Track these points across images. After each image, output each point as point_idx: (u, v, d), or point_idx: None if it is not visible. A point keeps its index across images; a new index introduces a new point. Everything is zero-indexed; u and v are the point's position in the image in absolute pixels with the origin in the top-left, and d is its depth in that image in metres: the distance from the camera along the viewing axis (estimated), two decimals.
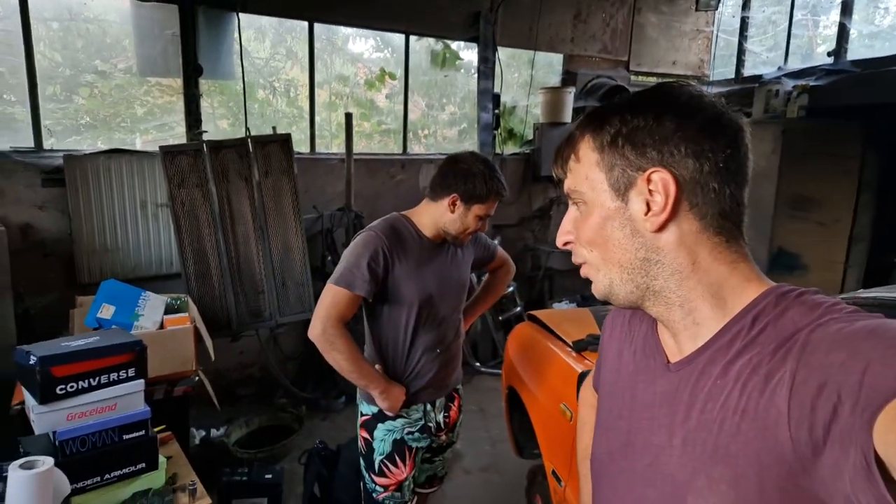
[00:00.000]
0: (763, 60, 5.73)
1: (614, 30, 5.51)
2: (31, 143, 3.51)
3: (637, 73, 5.76)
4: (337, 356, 1.73)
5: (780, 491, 0.58)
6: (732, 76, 5.92)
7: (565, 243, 0.77)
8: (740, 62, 5.89)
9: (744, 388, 0.62)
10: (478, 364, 4.68)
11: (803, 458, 0.56)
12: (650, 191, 0.67)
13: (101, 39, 4.02)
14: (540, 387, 2.46)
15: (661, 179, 0.66)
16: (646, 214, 0.68)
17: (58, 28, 3.82)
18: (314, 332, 1.73)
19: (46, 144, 3.56)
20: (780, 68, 5.32)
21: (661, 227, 0.68)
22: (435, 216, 1.82)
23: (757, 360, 0.62)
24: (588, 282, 0.76)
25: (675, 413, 0.70)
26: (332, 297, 1.72)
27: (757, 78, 5.41)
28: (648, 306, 0.73)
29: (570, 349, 2.38)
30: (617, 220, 0.70)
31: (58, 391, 1.54)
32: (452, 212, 1.78)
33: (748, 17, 5.77)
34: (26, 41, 3.42)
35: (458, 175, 1.77)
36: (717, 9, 5.65)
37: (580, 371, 2.14)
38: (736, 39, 5.86)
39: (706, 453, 0.65)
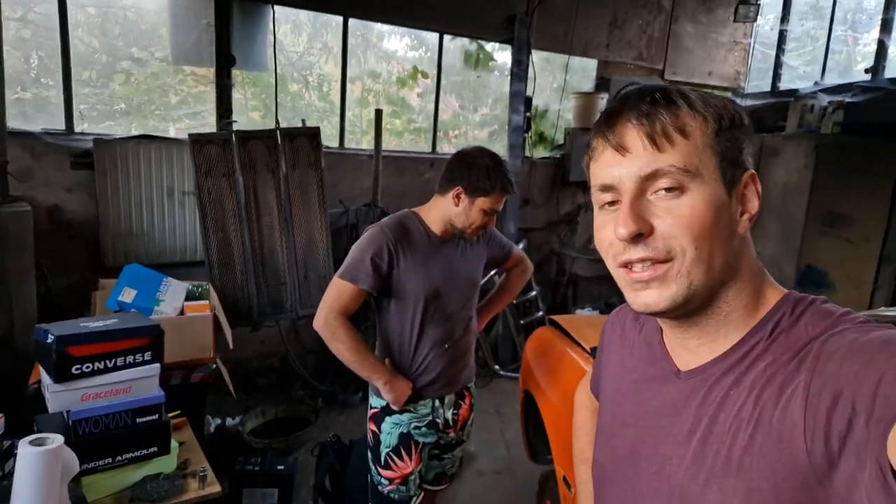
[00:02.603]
0: (800, 75, 5.64)
1: (650, 37, 5.44)
2: (62, 126, 3.55)
3: (672, 82, 5.65)
4: (339, 346, 1.77)
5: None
6: (768, 89, 5.83)
7: (635, 235, 0.63)
8: (776, 75, 5.80)
9: (758, 398, 0.60)
10: (497, 367, 4.62)
11: (819, 469, 0.55)
12: (744, 193, 0.65)
13: (137, 27, 4.07)
14: (555, 392, 2.43)
15: (755, 182, 0.65)
16: (741, 216, 0.65)
17: (95, 13, 3.87)
18: (318, 323, 1.78)
19: (78, 128, 3.61)
20: (816, 83, 5.22)
21: (744, 232, 0.66)
22: (442, 210, 1.83)
23: (771, 371, 0.61)
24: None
25: (683, 422, 0.68)
26: (336, 289, 1.77)
27: (793, 92, 5.33)
28: (690, 317, 0.67)
29: (588, 355, 2.36)
30: (725, 216, 0.63)
31: (73, 371, 1.54)
32: (457, 205, 1.79)
33: (787, 31, 5.69)
34: (62, 25, 3.46)
35: (463, 168, 1.78)
36: (755, 21, 5.55)
37: None
38: (773, 52, 5.78)
39: (718, 465, 0.62)
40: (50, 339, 1.52)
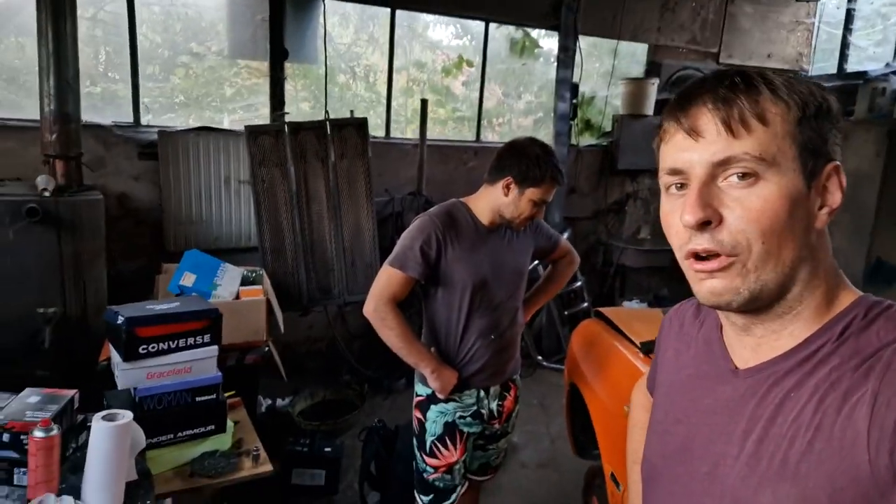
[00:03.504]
0: (869, 56, 5.34)
1: (704, 20, 5.24)
2: (130, 119, 3.76)
3: (727, 66, 5.43)
4: (388, 332, 1.81)
5: None
6: (834, 71, 5.52)
7: (702, 223, 0.60)
8: (843, 57, 5.49)
9: (820, 403, 0.58)
10: (540, 358, 4.62)
11: (882, 483, 0.52)
12: (825, 185, 0.62)
13: (197, 23, 4.24)
14: (603, 386, 2.39)
15: (841, 173, 0.62)
16: (819, 209, 0.62)
17: (159, 11, 4.06)
18: (367, 309, 1.82)
19: (143, 120, 3.81)
20: (888, 65, 4.92)
21: (822, 226, 0.62)
22: (491, 200, 1.84)
23: (836, 376, 0.58)
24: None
25: (738, 422, 0.66)
26: (386, 277, 1.81)
27: (861, 74, 5.02)
28: (758, 313, 0.64)
29: (637, 350, 2.30)
30: (802, 208, 0.60)
31: (140, 351, 1.65)
32: (506, 195, 1.80)
33: (854, 10, 5.37)
34: (131, 23, 3.65)
35: (513, 158, 1.79)
36: None
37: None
38: (840, 32, 5.47)
39: (773, 469, 0.60)
40: (120, 320, 1.64)
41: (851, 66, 5.41)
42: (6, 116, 3.43)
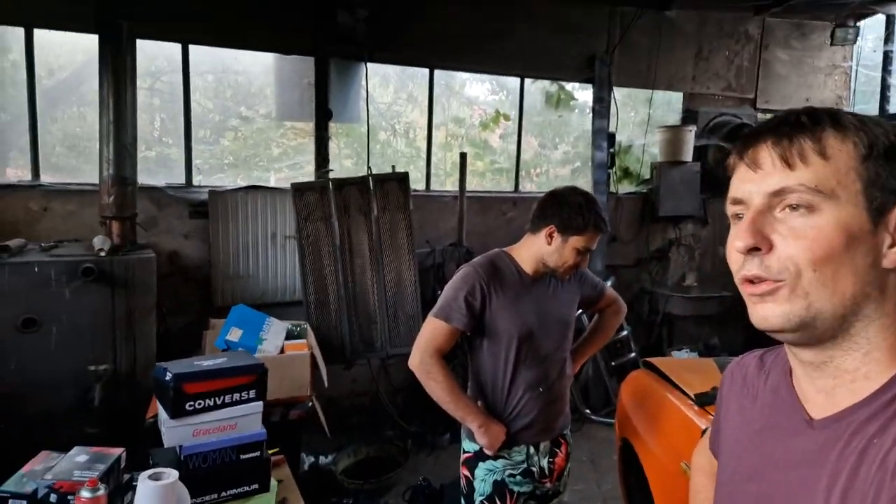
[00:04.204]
0: None
1: (739, 67, 5.26)
2: (182, 180, 3.94)
3: (765, 111, 5.39)
4: (434, 385, 1.78)
5: None
6: (876, 113, 5.39)
7: (750, 249, 0.62)
8: (884, 98, 5.39)
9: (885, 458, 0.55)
10: (588, 411, 4.45)
11: None
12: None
13: (246, 88, 4.48)
14: (657, 442, 2.29)
15: None
16: (890, 247, 0.61)
17: (212, 80, 4.32)
18: (413, 362, 1.80)
19: (195, 181, 3.98)
20: None
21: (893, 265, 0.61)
22: (534, 249, 1.83)
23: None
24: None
25: (819, 477, 0.62)
26: (431, 328, 1.79)
27: None
28: (825, 349, 0.63)
29: (691, 402, 2.22)
30: (865, 244, 0.60)
31: (187, 407, 1.64)
32: (550, 243, 1.79)
33: (892, 51, 5.31)
34: (185, 91, 3.88)
35: (556, 206, 1.79)
36: (854, 43, 5.20)
37: (704, 427, 1.95)
38: (879, 75, 5.39)
39: None
40: (168, 376, 1.64)
41: (893, 108, 5.32)
42: (68, 181, 3.64)
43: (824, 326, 0.61)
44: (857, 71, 5.51)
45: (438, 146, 4.83)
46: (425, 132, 4.64)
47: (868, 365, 0.62)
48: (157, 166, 4.12)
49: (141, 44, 3.46)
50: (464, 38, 4.44)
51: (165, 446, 1.67)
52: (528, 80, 4.90)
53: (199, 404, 1.66)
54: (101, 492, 1.24)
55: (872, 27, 5.40)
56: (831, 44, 5.24)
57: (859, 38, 5.19)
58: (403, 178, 3.83)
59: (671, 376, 2.46)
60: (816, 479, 0.62)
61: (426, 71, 4.54)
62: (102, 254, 2.65)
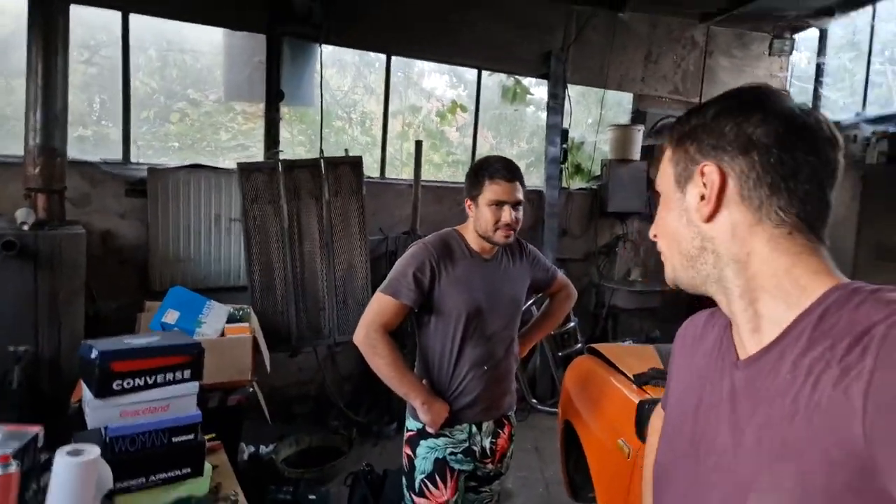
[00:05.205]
0: (840, 107, 5.54)
1: (685, 71, 5.43)
2: (119, 157, 3.72)
3: None
4: (378, 361, 1.76)
5: (850, 489, 0.56)
6: None
7: (654, 236, 0.80)
8: (816, 108, 5.61)
9: (816, 382, 0.60)
10: (535, 401, 4.49)
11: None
12: (703, 184, 0.71)
13: (193, 69, 4.28)
14: (597, 421, 2.38)
15: (709, 172, 0.70)
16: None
17: (155, 57, 4.09)
18: (358, 337, 1.79)
19: (133, 158, 3.77)
20: (857, 114, 5.11)
21: (710, 217, 0.70)
22: (470, 226, 1.86)
23: (830, 355, 0.60)
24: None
25: (741, 410, 0.69)
26: (378, 304, 1.78)
27: (835, 124, 5.10)
28: (713, 293, 0.74)
29: (631, 382, 2.32)
30: (676, 209, 0.75)
31: (114, 386, 1.54)
32: (472, 214, 1.83)
33: (823, 64, 5.60)
34: (125, 64, 3.67)
35: (466, 180, 1.88)
36: (790, 54, 5.50)
37: (638, 400, 2.01)
38: (811, 86, 5.69)
39: (773, 450, 0.63)
40: (94, 354, 1.54)
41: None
42: None
43: (686, 277, 0.76)
44: (791, 82, 5.79)
45: (394, 136, 4.77)
46: (381, 121, 4.56)
47: (755, 306, 0.69)
48: (93, 147, 3.87)
49: (79, 13, 3.24)
50: (423, 26, 4.40)
51: (90, 428, 1.57)
52: (485, 74, 4.89)
53: (128, 384, 1.57)
54: (13, 468, 1.14)
55: (806, 41, 5.69)
56: (769, 54, 5.50)
57: (794, 50, 5.45)
58: (357, 162, 3.75)
59: (613, 360, 2.56)
60: (739, 414, 0.69)
61: (384, 59, 4.47)
62: (25, 227, 2.46)
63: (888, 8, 4.95)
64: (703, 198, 0.71)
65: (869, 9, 5.01)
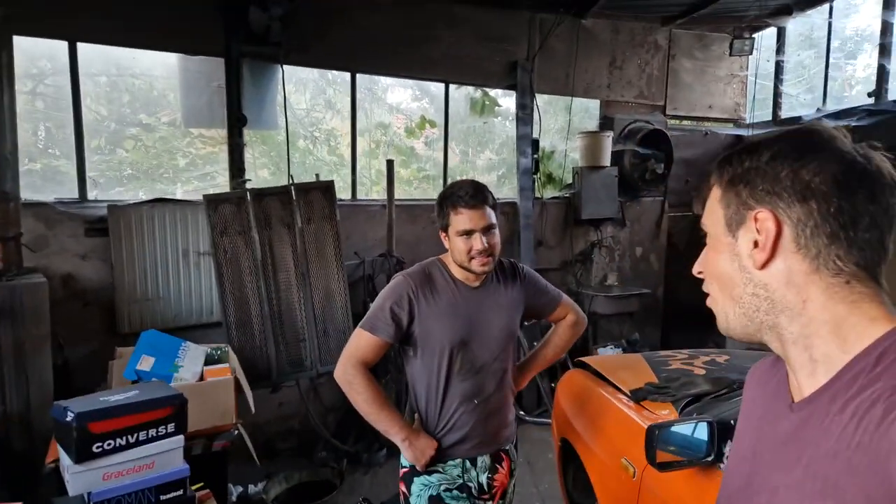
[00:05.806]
0: (801, 103, 5.71)
1: (650, 75, 5.53)
2: (75, 195, 3.55)
3: (674, 118, 5.71)
4: (357, 397, 1.72)
5: None
6: (770, 118, 5.88)
7: (699, 272, 0.80)
8: (777, 105, 5.87)
9: (860, 421, 0.60)
10: (522, 413, 4.45)
11: None
12: (757, 230, 0.69)
13: (147, 94, 4.13)
14: (597, 440, 2.33)
15: (764, 220, 0.69)
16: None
17: (105, 83, 3.93)
18: (337, 373, 1.75)
19: (91, 195, 3.61)
20: (818, 110, 5.25)
21: (765, 265, 0.69)
22: (449, 256, 1.80)
23: (876, 396, 0.60)
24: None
25: (791, 452, 0.69)
26: (356, 339, 1.76)
27: (795, 120, 5.40)
28: (768, 340, 0.73)
29: (628, 399, 2.28)
30: (726, 253, 0.73)
31: (94, 449, 1.44)
32: (447, 245, 1.77)
33: (782, 62, 5.78)
34: (75, 96, 3.50)
35: (436, 210, 1.78)
36: (750, 54, 5.65)
37: (647, 426, 1.97)
38: (771, 83, 5.86)
39: (816, 488, 0.63)
40: (69, 416, 1.43)
41: (785, 113, 5.79)
42: None
43: (740, 325, 0.74)
44: (753, 80, 5.93)
45: (363, 153, 4.69)
46: (347, 139, 4.49)
47: (810, 352, 0.68)
48: (43, 181, 3.68)
49: (20, 42, 3.09)
50: (387, 42, 4.36)
51: (71, 495, 1.45)
52: (452, 87, 4.88)
53: (109, 445, 1.47)
54: None
55: (765, 39, 5.86)
56: (730, 54, 5.64)
57: (755, 49, 5.61)
58: (328, 186, 3.67)
59: (605, 374, 2.51)
60: (790, 455, 0.69)
61: (346, 76, 4.40)
62: None
63: (843, 5, 5.13)
64: (756, 244, 0.69)
65: (826, 6, 5.17)
